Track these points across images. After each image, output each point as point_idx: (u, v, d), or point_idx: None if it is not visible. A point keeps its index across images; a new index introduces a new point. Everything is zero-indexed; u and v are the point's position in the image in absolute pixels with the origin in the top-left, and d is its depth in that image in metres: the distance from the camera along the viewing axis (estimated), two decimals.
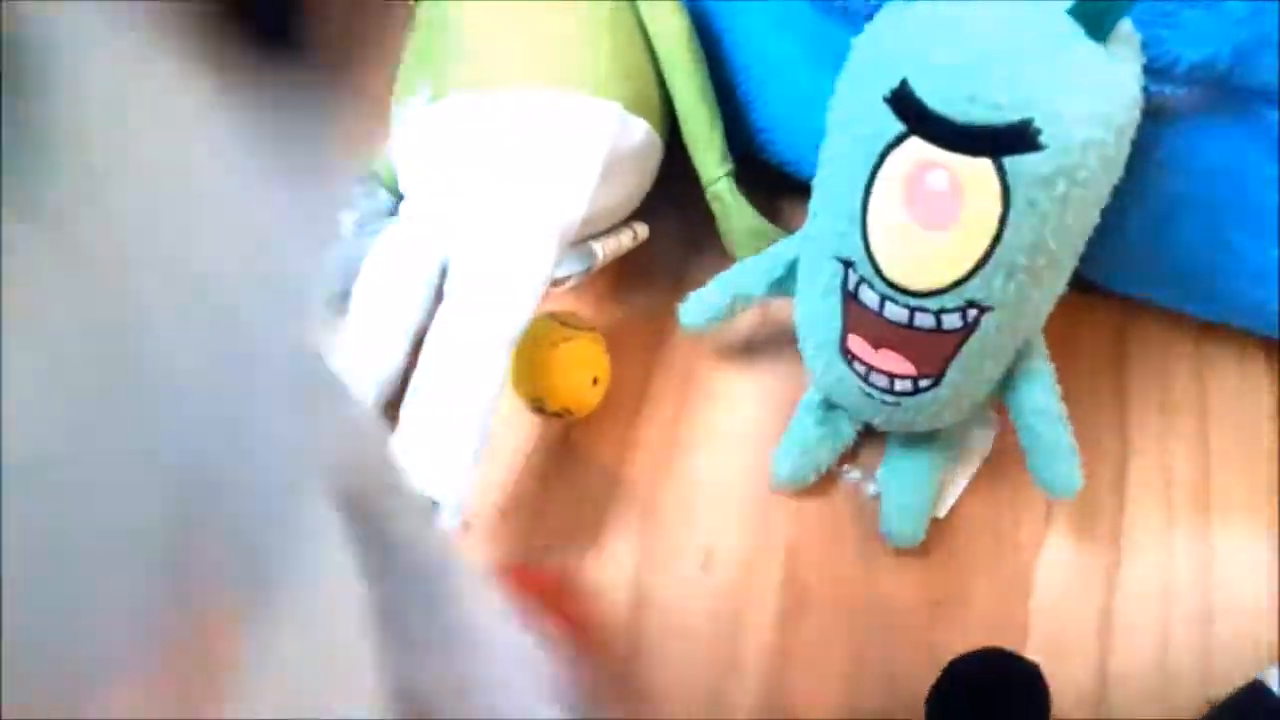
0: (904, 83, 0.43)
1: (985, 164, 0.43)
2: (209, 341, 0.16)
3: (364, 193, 0.65)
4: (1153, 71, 0.45)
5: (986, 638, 0.50)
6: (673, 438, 0.60)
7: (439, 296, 0.56)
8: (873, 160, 0.46)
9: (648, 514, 0.58)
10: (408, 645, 0.24)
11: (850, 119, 0.47)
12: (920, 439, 0.56)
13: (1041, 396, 0.51)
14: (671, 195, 0.62)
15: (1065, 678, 0.51)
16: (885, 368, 0.51)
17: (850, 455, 0.58)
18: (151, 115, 0.16)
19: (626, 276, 0.63)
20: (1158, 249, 0.54)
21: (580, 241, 0.57)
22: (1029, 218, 0.43)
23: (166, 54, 0.16)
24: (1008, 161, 0.42)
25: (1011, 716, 0.46)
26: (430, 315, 0.56)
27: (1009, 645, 0.50)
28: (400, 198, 0.63)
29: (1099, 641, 0.53)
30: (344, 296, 0.61)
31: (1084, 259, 0.48)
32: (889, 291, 0.48)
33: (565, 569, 0.56)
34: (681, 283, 0.60)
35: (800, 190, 0.54)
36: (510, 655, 0.29)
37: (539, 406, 0.58)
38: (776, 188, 0.64)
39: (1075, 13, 0.42)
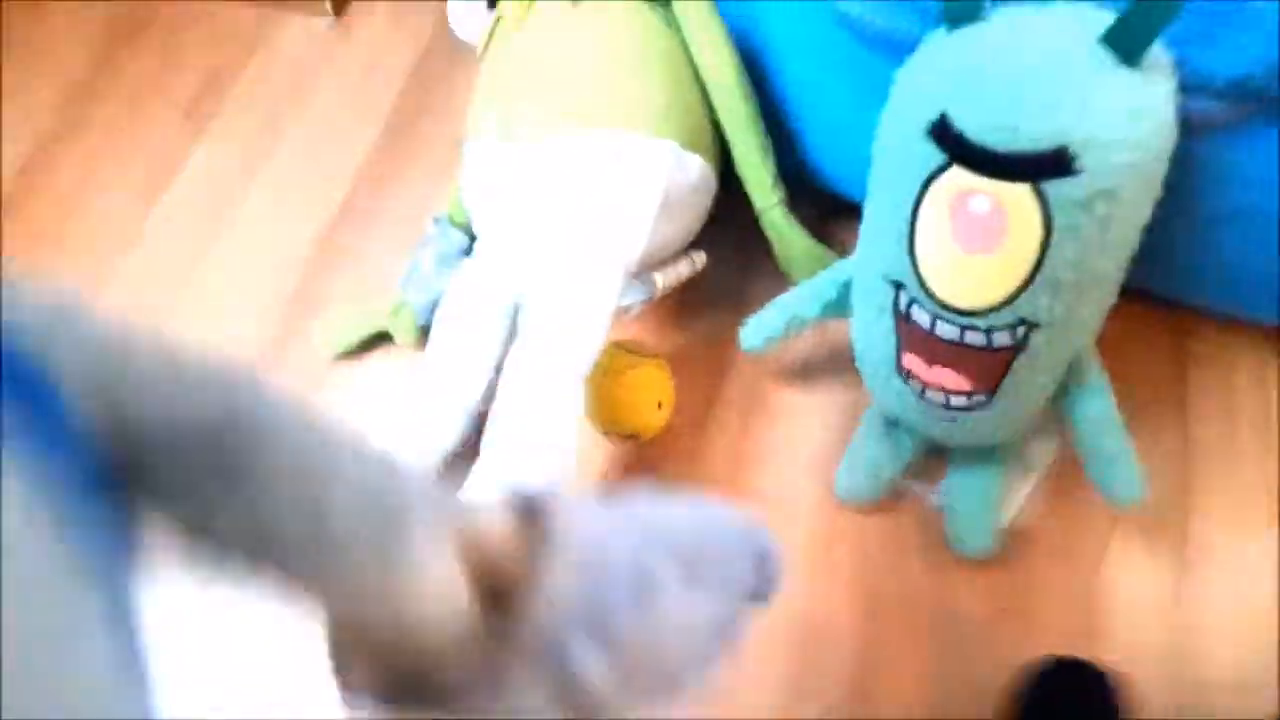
0: (943, 115, 0.44)
1: (1025, 189, 0.44)
2: None
3: (439, 232, 0.69)
4: (1190, 88, 0.46)
5: (1056, 645, 0.51)
6: (738, 455, 0.62)
7: (513, 329, 0.59)
8: (917, 188, 0.47)
9: None
10: None
11: (894, 149, 0.48)
12: (982, 451, 0.57)
13: (1096, 407, 0.51)
14: (727, 223, 0.64)
15: (1136, 683, 0.51)
16: (940, 384, 0.52)
17: (913, 469, 0.60)
18: None
19: (687, 303, 0.66)
20: (1208, 258, 0.54)
21: (641, 272, 0.60)
22: (1071, 239, 0.44)
23: None
24: (1047, 186, 0.43)
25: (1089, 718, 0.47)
26: (506, 347, 0.59)
27: (1079, 652, 0.50)
28: (473, 237, 0.66)
29: (1169, 648, 0.53)
30: (425, 331, 0.65)
31: (1138, 269, 0.49)
32: (939, 311, 0.49)
33: None
34: (740, 307, 0.62)
35: (851, 211, 0.55)
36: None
37: (608, 431, 0.61)
38: (828, 210, 0.65)
39: (1107, 41, 0.43)
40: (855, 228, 0.54)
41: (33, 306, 0.19)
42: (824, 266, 0.59)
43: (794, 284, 0.60)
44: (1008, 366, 0.50)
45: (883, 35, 0.52)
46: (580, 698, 0.26)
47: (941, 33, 0.46)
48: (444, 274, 0.67)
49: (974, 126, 0.44)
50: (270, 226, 0.74)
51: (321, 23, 0.83)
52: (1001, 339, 0.49)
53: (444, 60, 0.78)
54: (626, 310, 0.61)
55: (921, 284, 0.49)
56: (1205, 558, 0.56)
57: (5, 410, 0.16)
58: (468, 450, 0.57)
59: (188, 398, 0.20)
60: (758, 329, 0.60)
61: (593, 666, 0.25)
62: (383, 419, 0.61)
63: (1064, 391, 0.52)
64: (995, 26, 0.44)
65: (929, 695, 0.54)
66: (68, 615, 0.17)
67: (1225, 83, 0.46)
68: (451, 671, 0.23)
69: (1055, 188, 0.43)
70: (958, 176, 0.45)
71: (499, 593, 0.25)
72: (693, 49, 0.61)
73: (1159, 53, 0.44)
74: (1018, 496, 0.58)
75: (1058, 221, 0.44)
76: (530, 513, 0.26)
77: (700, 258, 0.63)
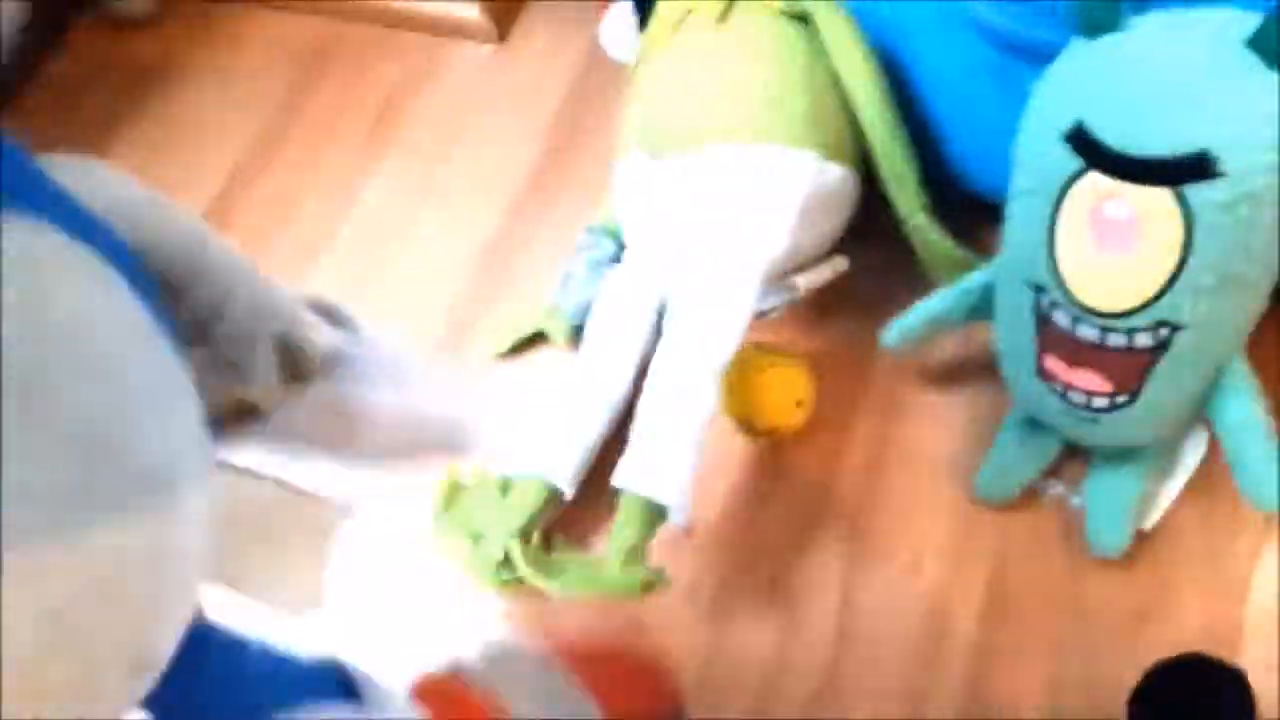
0: (1080, 123, 0.46)
1: (1165, 193, 0.45)
2: None
3: (592, 241, 0.73)
4: None
5: (1192, 647, 0.51)
6: (878, 454, 0.64)
7: (659, 330, 0.63)
8: (1055, 193, 0.48)
9: (855, 525, 0.62)
10: None
11: (1033, 155, 0.50)
12: (1124, 453, 0.57)
13: (1244, 410, 0.51)
14: (870, 228, 0.66)
15: (1275, 687, 0.51)
16: (1082, 385, 0.53)
17: (1054, 470, 0.60)
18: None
19: (830, 306, 0.68)
20: None
21: (784, 276, 0.62)
22: (1213, 242, 0.45)
23: None
24: (1188, 190, 0.44)
25: (1216, 718, 0.47)
26: (652, 346, 0.63)
27: (1218, 654, 0.50)
28: (623, 245, 0.70)
29: None
30: (578, 331, 0.69)
31: None
32: (1080, 313, 0.50)
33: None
34: (882, 310, 0.64)
35: (993, 215, 0.57)
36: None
37: (748, 428, 0.64)
38: (971, 214, 0.67)
39: (1253, 44, 0.43)
40: (998, 231, 0.55)
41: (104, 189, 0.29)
42: (967, 270, 0.60)
43: (937, 288, 0.62)
44: (1149, 368, 0.50)
45: (1024, 43, 0.54)
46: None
47: (1081, 41, 0.47)
48: (595, 280, 0.71)
49: (1111, 133, 0.45)
50: (442, 238, 0.80)
51: (486, 48, 0.88)
52: (1143, 341, 0.50)
53: (600, 81, 0.83)
54: (769, 313, 0.63)
55: (1062, 287, 0.50)
56: None
57: (98, 243, 0.26)
58: (617, 441, 0.61)
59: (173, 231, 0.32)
60: (900, 331, 0.62)
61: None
62: (540, 411, 0.65)
63: (1212, 395, 0.52)
64: (1134, 35, 0.45)
65: (1056, 695, 0.54)
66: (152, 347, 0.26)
67: None
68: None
69: (1197, 191, 0.44)
70: (1096, 181, 0.46)
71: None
72: (834, 62, 0.63)
73: None
74: (1163, 499, 0.57)
75: (1199, 224, 0.45)
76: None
77: (842, 262, 0.65)
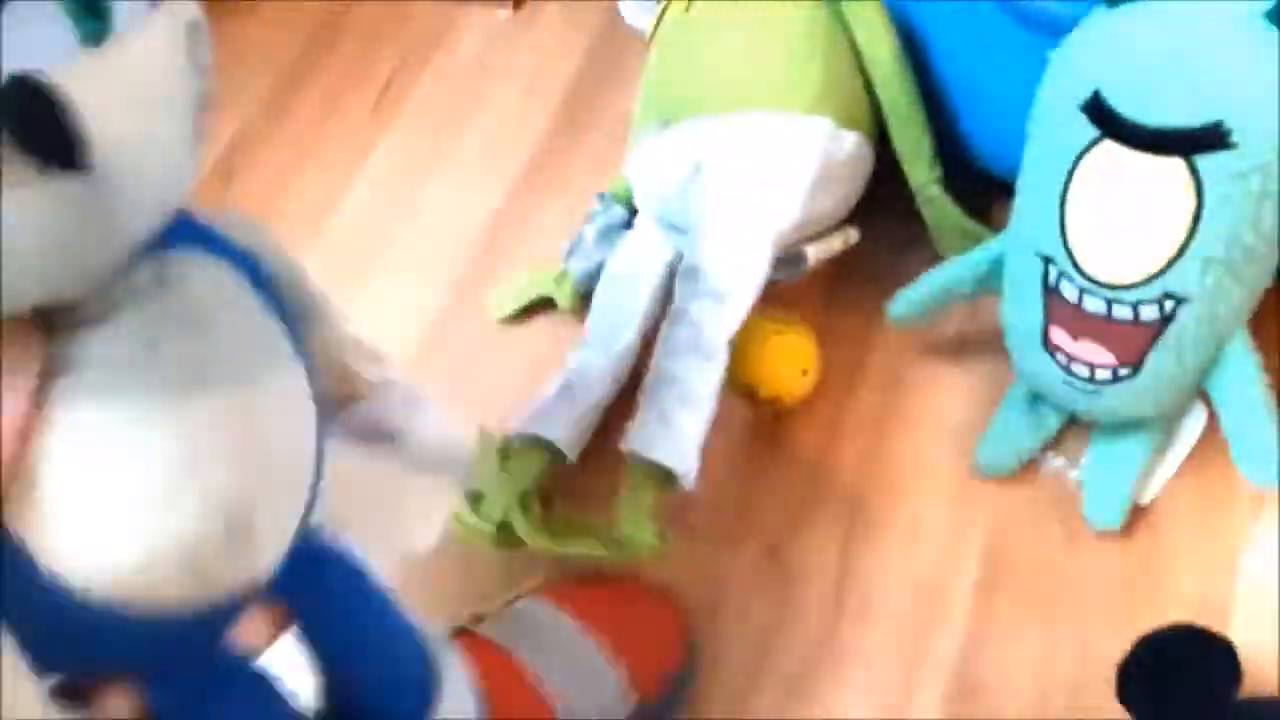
0: (1096, 93, 0.46)
1: (1177, 163, 0.45)
2: None
3: (603, 208, 0.74)
4: None
5: (1185, 618, 0.52)
6: (880, 426, 0.64)
7: (668, 297, 0.64)
8: (1069, 163, 0.49)
9: (853, 496, 0.62)
10: None
11: (1048, 126, 0.50)
12: (1125, 427, 0.58)
13: (1244, 387, 0.52)
14: (882, 198, 0.66)
15: (1272, 662, 0.52)
16: (1086, 358, 0.54)
17: (1054, 444, 0.61)
18: None
19: (839, 276, 0.68)
20: None
21: (794, 245, 0.63)
22: (1223, 213, 0.46)
23: None
24: (1199, 160, 0.45)
25: (1202, 689, 0.48)
26: (661, 313, 0.63)
27: (1209, 625, 0.51)
28: (634, 212, 0.71)
29: None
30: (586, 298, 0.70)
31: None
32: (1087, 285, 0.51)
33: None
34: (891, 282, 0.64)
35: (1006, 191, 0.57)
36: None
37: (751, 395, 0.64)
38: (984, 189, 0.67)
39: (1272, 17, 0.44)
40: (1009, 208, 0.56)
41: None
42: (977, 243, 0.61)
43: (946, 259, 0.62)
44: (1153, 341, 0.51)
45: (1044, 15, 0.55)
46: None
47: (1101, 10, 0.48)
48: (604, 246, 0.72)
49: (1126, 103, 0.46)
50: (451, 204, 0.80)
51: (501, 14, 0.89)
52: (1148, 313, 0.50)
53: (615, 48, 0.83)
54: (779, 281, 0.64)
55: (1071, 258, 0.51)
56: None
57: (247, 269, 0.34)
58: (625, 406, 0.61)
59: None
60: (908, 302, 0.62)
61: None
62: (546, 374, 0.66)
63: (1212, 370, 0.53)
64: (1154, 5, 0.46)
65: (1049, 663, 0.55)
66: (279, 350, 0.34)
67: None
68: None
69: (1209, 160, 0.45)
70: (1110, 150, 0.47)
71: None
72: (852, 29, 0.64)
73: None
74: (1161, 474, 0.58)
75: (1209, 195, 0.45)
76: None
77: (853, 233, 0.65)
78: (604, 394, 0.65)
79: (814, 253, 0.64)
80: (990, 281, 0.59)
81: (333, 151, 0.83)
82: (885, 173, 0.66)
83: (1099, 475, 0.58)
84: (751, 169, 0.62)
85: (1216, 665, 0.48)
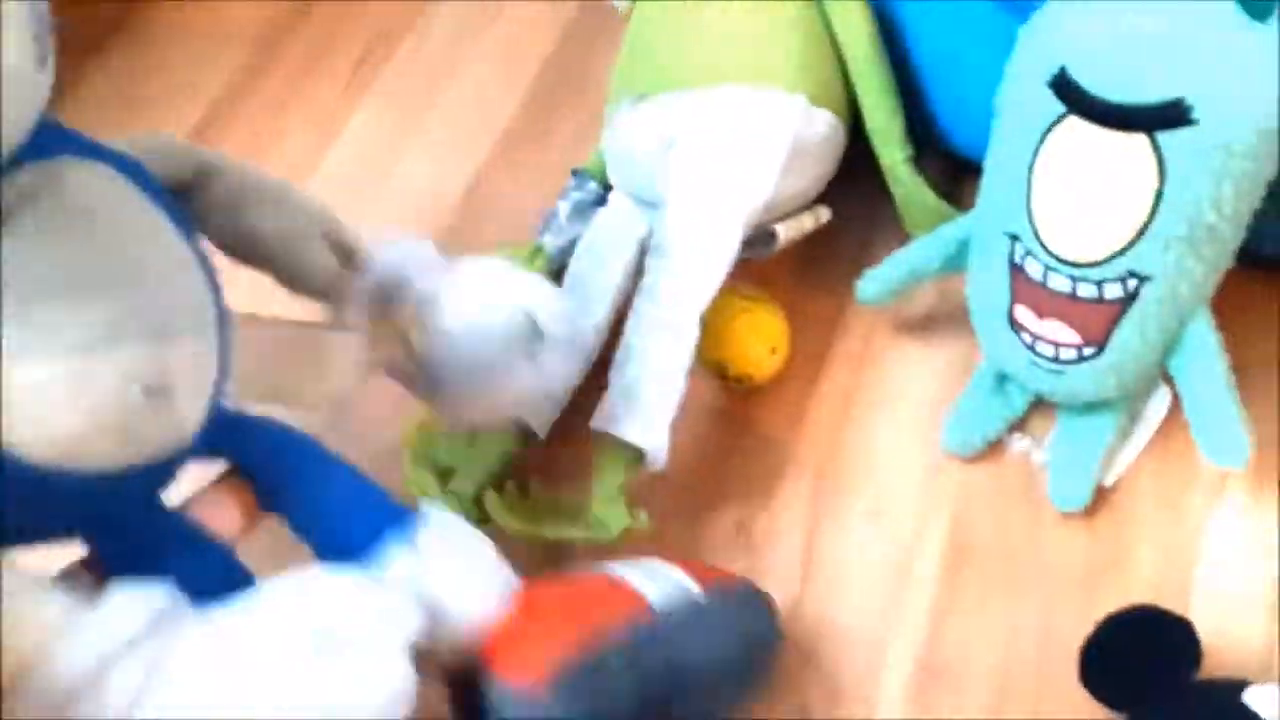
0: (1063, 69, 0.46)
1: (1141, 139, 0.45)
2: None
3: (577, 184, 0.73)
4: None
5: (1147, 599, 0.52)
6: (847, 405, 0.64)
7: (640, 272, 0.63)
8: (1035, 140, 0.49)
9: (820, 475, 0.62)
10: None
11: (1015, 103, 0.50)
12: (1090, 409, 0.58)
13: (1205, 366, 0.52)
14: (853, 176, 0.66)
15: (1230, 643, 0.52)
16: (1050, 337, 0.54)
17: (1020, 425, 0.61)
18: None
19: (808, 256, 0.68)
20: None
21: (765, 223, 0.63)
22: (1185, 191, 0.46)
23: None
24: (1162, 137, 0.45)
25: (1163, 669, 0.48)
26: (632, 289, 0.63)
27: (1170, 606, 0.51)
28: (608, 188, 0.70)
29: (1266, 610, 0.53)
30: (559, 275, 0.69)
31: (1254, 233, 0.50)
32: (1052, 263, 0.51)
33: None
34: (860, 261, 0.64)
35: (976, 173, 0.57)
36: None
37: (720, 373, 0.64)
38: (954, 171, 0.67)
39: None
40: (978, 188, 0.56)
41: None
42: (944, 222, 0.61)
43: (914, 239, 0.62)
44: (1117, 320, 0.51)
45: None
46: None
47: None
48: (577, 222, 0.71)
49: (1091, 79, 0.46)
50: (424, 180, 0.79)
51: None
52: (1112, 291, 0.50)
53: (592, 22, 0.83)
54: (749, 259, 0.64)
55: (1036, 235, 0.51)
56: None
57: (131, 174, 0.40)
58: (593, 382, 0.61)
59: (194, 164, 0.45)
60: (876, 281, 0.62)
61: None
62: None
63: (1174, 349, 0.53)
64: None
65: (1012, 644, 0.55)
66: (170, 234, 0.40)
67: None
68: None
69: (1171, 137, 0.44)
70: (1075, 126, 0.47)
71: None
72: (826, 7, 0.64)
73: None
74: (1125, 456, 0.58)
75: (1172, 172, 0.45)
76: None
77: (824, 212, 0.65)
78: (574, 370, 0.64)
79: (785, 231, 0.64)
80: (959, 261, 0.59)
81: (305, 127, 0.83)
82: (857, 152, 0.66)
83: (1063, 457, 0.58)
84: (724, 144, 0.61)
85: (1177, 646, 0.48)
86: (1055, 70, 0.47)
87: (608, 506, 0.57)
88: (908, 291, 0.63)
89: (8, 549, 0.37)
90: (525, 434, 0.62)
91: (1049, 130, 0.48)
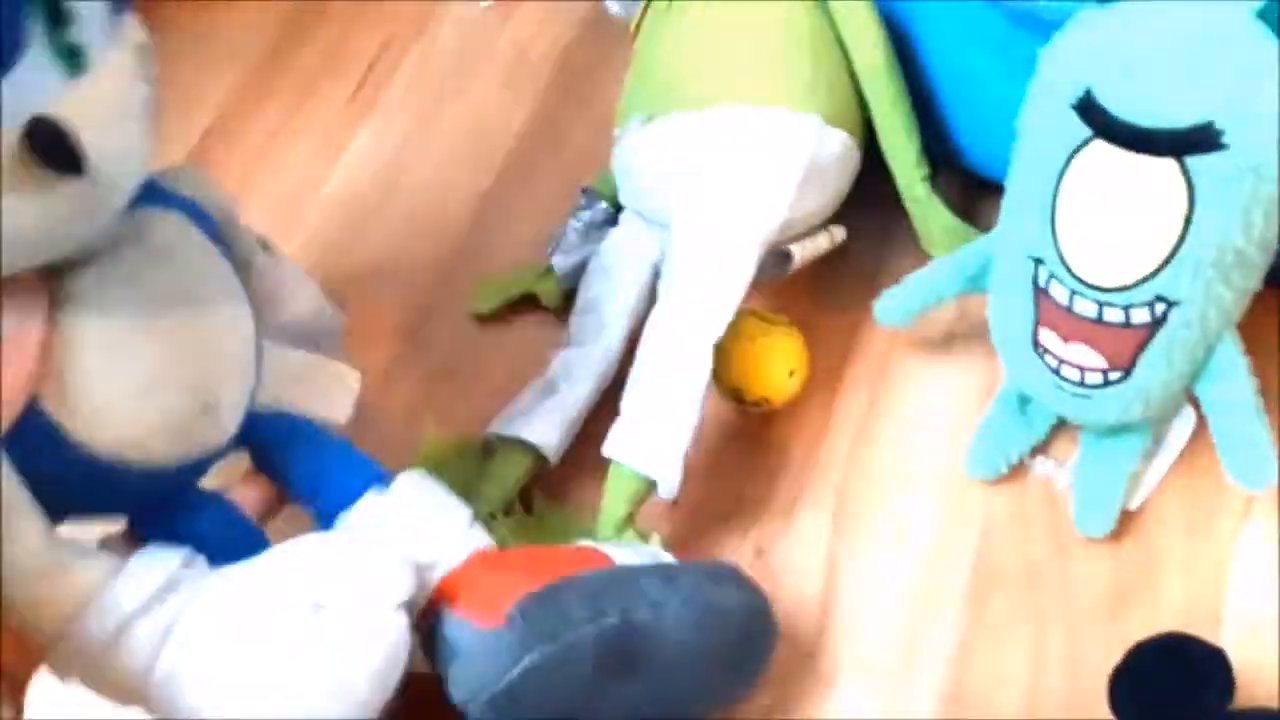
0: (1088, 92, 0.45)
1: (1169, 164, 0.44)
2: None
3: (586, 203, 0.72)
4: None
5: (1176, 626, 0.51)
6: (868, 428, 0.64)
7: (652, 295, 0.63)
8: (1060, 163, 0.48)
9: (841, 498, 0.62)
10: None
11: (1039, 125, 0.50)
12: (1114, 432, 0.57)
13: (1233, 390, 0.51)
14: (869, 196, 0.65)
15: (1260, 669, 0.51)
16: (1076, 361, 0.53)
17: (1043, 448, 0.60)
18: None
19: (825, 276, 0.67)
20: None
21: (780, 244, 0.62)
22: (1215, 216, 0.45)
23: None
24: (1191, 161, 0.44)
25: (1195, 698, 0.47)
26: (646, 312, 0.62)
27: (1199, 633, 0.50)
28: (619, 208, 0.70)
29: None
30: (569, 295, 0.68)
31: None
32: (1078, 287, 0.50)
33: None
34: (877, 282, 0.64)
35: (994, 192, 0.56)
36: None
37: (738, 397, 0.63)
38: (972, 190, 0.66)
39: (1263, 15, 0.43)
40: (998, 207, 0.55)
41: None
42: (965, 243, 0.60)
43: (933, 259, 0.61)
44: (1144, 345, 0.50)
45: (1033, 13, 0.53)
46: None
47: (1092, 8, 0.47)
48: (588, 242, 0.71)
49: (1117, 102, 0.45)
50: (432, 197, 0.79)
51: (481, 4, 0.87)
52: (1140, 316, 0.49)
53: (598, 41, 0.82)
54: (764, 281, 0.63)
55: (1062, 259, 0.50)
56: None
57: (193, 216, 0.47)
58: (610, 406, 0.60)
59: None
60: (894, 303, 0.61)
61: None
62: (528, 371, 0.65)
63: (1201, 373, 0.52)
64: (1146, 2, 0.45)
65: (1039, 672, 0.54)
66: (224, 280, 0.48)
67: None
68: None
69: (1200, 162, 0.44)
70: (1101, 150, 0.46)
71: None
72: (840, 26, 0.63)
73: None
74: (1150, 479, 0.58)
75: (1201, 197, 0.44)
76: None
77: (839, 232, 0.64)
78: (588, 395, 0.63)
79: (800, 252, 0.63)
80: (980, 281, 0.58)
81: (311, 141, 0.82)
82: (872, 171, 0.65)
83: (1088, 481, 0.57)
84: (739, 166, 0.60)
85: (1209, 676, 0.47)
86: (1080, 93, 0.46)
87: (616, 535, 0.57)
88: (927, 312, 0.62)
89: (65, 521, 0.44)
90: (537, 459, 0.62)
91: (1074, 154, 0.47)
